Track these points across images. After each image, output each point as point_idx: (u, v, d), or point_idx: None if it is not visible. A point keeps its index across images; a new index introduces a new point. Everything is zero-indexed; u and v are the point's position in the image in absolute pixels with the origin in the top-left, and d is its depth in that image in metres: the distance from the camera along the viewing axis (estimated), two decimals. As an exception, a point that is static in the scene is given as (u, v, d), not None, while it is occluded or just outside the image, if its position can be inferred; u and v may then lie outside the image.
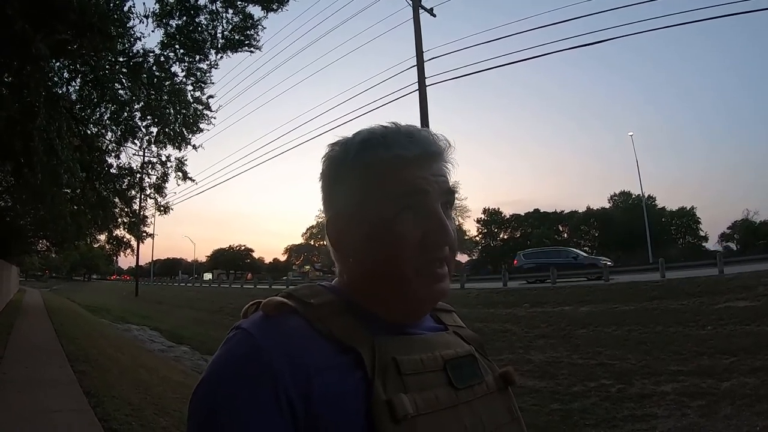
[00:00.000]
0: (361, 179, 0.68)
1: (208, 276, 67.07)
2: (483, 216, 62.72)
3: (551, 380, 8.72)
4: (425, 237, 0.66)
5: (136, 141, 10.35)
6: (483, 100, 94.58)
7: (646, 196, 48.09)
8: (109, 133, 10.24)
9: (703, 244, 52.97)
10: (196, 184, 12.41)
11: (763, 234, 45.63)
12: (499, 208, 63.03)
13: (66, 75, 8.40)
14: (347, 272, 0.72)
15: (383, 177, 0.67)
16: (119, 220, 12.76)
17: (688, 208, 54.13)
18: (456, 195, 0.72)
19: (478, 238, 62.94)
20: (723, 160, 73.68)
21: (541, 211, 60.61)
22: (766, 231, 45.99)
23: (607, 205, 58.90)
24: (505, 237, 63.23)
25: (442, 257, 0.68)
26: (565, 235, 60.35)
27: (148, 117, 9.75)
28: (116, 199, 11.91)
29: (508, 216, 62.85)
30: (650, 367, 8.40)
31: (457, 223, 0.75)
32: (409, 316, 0.71)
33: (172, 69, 9.04)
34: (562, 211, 60.13)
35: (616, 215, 54.84)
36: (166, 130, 9.92)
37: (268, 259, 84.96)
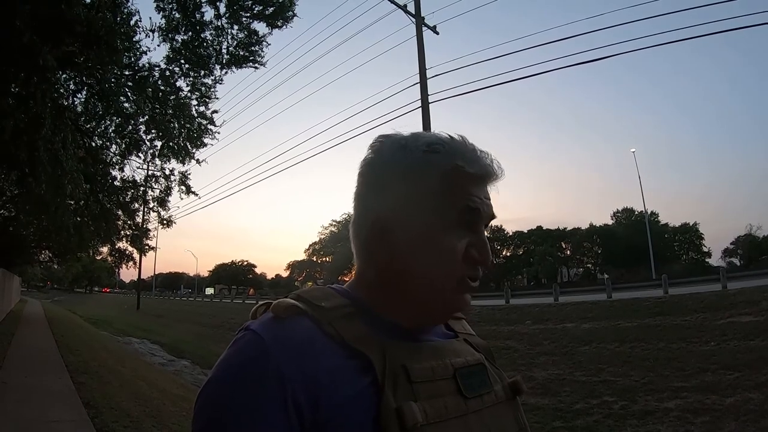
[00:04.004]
0: (419, 182, 0.67)
1: (209, 290, 66.92)
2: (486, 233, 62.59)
3: (554, 397, 8.65)
4: (468, 253, 0.67)
5: (140, 154, 10.37)
6: (485, 117, 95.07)
7: (648, 212, 48.19)
8: (114, 146, 10.29)
9: (707, 259, 52.75)
10: (200, 198, 12.45)
11: (766, 249, 45.44)
12: (501, 226, 62.58)
13: (72, 87, 8.45)
14: (369, 273, 0.71)
15: (441, 185, 0.67)
16: (122, 232, 12.75)
17: (691, 224, 54.03)
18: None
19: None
20: (725, 175, 73.85)
21: (544, 228, 60.42)
22: (770, 246, 45.87)
23: (610, 222, 58.88)
24: (508, 254, 63.02)
25: (476, 275, 0.69)
26: (568, 252, 60.15)
27: (153, 130, 9.79)
28: (119, 212, 11.89)
29: (510, 233, 62.70)
30: (653, 384, 8.33)
31: None
32: (430, 323, 0.71)
33: (177, 83, 9.09)
34: (565, 228, 60.00)
35: (618, 232, 54.71)
36: (171, 143, 9.94)
37: (270, 275, 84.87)
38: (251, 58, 8.81)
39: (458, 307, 0.70)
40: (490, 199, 0.71)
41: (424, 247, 0.66)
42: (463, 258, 0.67)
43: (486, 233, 0.72)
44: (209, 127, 10.07)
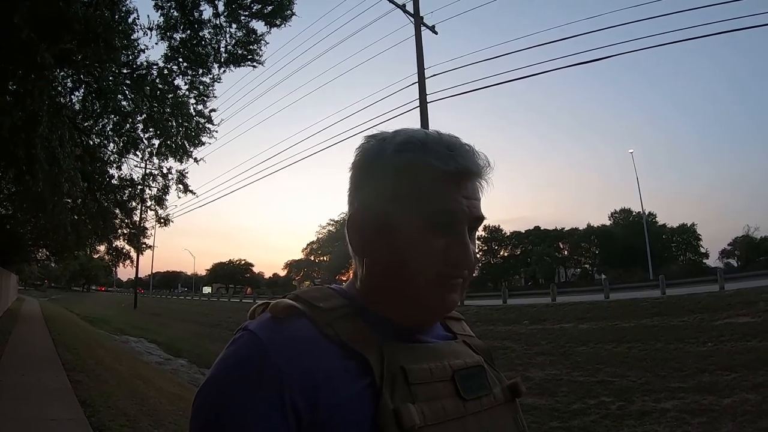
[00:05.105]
0: (392, 181, 0.66)
1: (207, 289, 66.85)
2: (483, 233, 62.70)
3: (551, 397, 8.67)
4: (446, 255, 0.65)
5: (137, 152, 10.37)
6: (483, 117, 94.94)
7: (646, 213, 48.19)
8: (111, 144, 10.27)
9: (704, 260, 52.82)
10: (197, 197, 12.45)
11: (764, 250, 45.57)
12: (499, 226, 62.71)
13: (69, 84, 8.45)
14: (361, 272, 0.71)
15: (414, 185, 0.65)
16: (119, 231, 12.75)
17: (688, 225, 54.10)
18: (484, 220, 0.70)
19: (478, 256, 62.58)
20: (724, 176, 73.88)
21: (542, 228, 60.43)
22: (767, 247, 45.93)
23: (608, 222, 58.94)
24: (506, 254, 63.09)
25: (458, 277, 0.67)
26: (566, 252, 60.23)
27: (151, 129, 9.78)
28: (117, 210, 11.89)
29: (508, 233, 62.75)
30: (650, 384, 8.35)
31: None
32: (420, 323, 0.70)
33: (175, 82, 9.08)
34: (563, 229, 60.01)
35: (616, 232, 54.77)
36: (168, 142, 9.94)
37: (268, 274, 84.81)
38: (249, 56, 8.80)
39: (440, 307, 0.68)
40: (475, 198, 0.68)
41: (394, 245, 0.65)
42: (441, 260, 0.65)
43: (475, 232, 0.71)
44: (207, 125, 10.08)
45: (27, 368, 8.00)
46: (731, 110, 74.38)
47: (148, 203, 12.03)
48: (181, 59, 8.62)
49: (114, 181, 11.25)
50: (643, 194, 51.97)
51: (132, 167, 11.56)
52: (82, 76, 8.22)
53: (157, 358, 16.54)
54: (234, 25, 8.39)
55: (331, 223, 66.91)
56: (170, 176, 11.33)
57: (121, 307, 41.76)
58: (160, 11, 7.91)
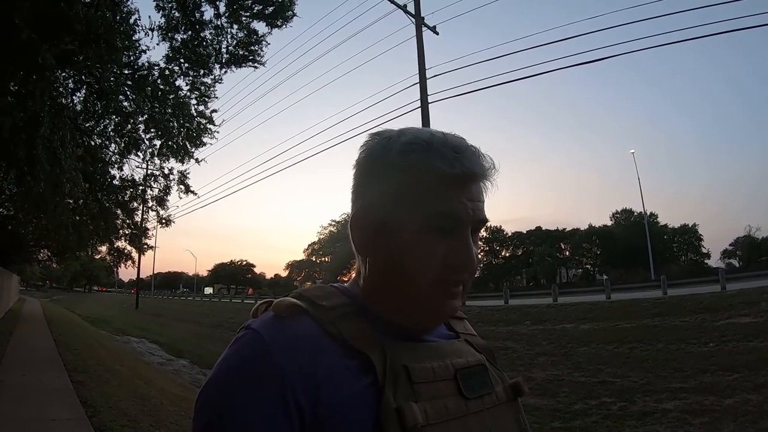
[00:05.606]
0: (396, 181, 0.66)
1: (208, 290, 66.80)
2: (485, 234, 62.53)
3: (552, 398, 8.66)
4: (448, 259, 0.65)
5: (139, 153, 10.39)
6: (484, 117, 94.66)
7: (647, 213, 48.10)
8: (113, 145, 10.30)
9: (706, 260, 52.61)
10: (199, 197, 12.47)
11: (765, 250, 45.43)
12: (501, 226, 62.63)
13: (71, 85, 8.47)
14: (364, 270, 0.70)
15: (418, 187, 0.65)
16: (121, 231, 12.77)
17: (690, 225, 53.95)
18: (487, 223, 0.69)
19: (480, 257, 62.49)
20: (724, 176, 73.77)
21: (543, 228, 60.31)
22: (768, 247, 45.90)
23: (609, 223, 58.79)
24: (507, 255, 62.97)
25: (459, 282, 0.67)
26: (567, 252, 60.13)
27: (152, 129, 9.80)
28: (118, 211, 11.92)
29: (509, 234, 62.63)
30: (652, 385, 8.34)
31: None
32: (420, 323, 0.70)
33: (177, 82, 9.10)
34: (564, 229, 59.84)
35: (617, 233, 54.61)
36: (170, 143, 9.95)
37: (269, 275, 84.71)
38: (251, 57, 8.80)
39: (441, 311, 0.68)
40: (479, 201, 0.67)
41: (405, 247, 0.65)
42: (443, 264, 0.65)
43: (478, 234, 0.70)
44: (208, 126, 10.08)
45: (28, 368, 8.00)
46: (730, 110, 74.29)
47: (150, 204, 12.07)
48: (182, 60, 8.62)
49: (115, 182, 11.28)
50: (644, 194, 51.96)
51: (133, 168, 11.58)
52: (83, 77, 8.23)
53: (159, 358, 16.54)
54: (235, 26, 8.41)
55: (333, 223, 66.90)
56: (172, 177, 11.36)
57: (123, 307, 41.79)
58: (161, 12, 7.93)
